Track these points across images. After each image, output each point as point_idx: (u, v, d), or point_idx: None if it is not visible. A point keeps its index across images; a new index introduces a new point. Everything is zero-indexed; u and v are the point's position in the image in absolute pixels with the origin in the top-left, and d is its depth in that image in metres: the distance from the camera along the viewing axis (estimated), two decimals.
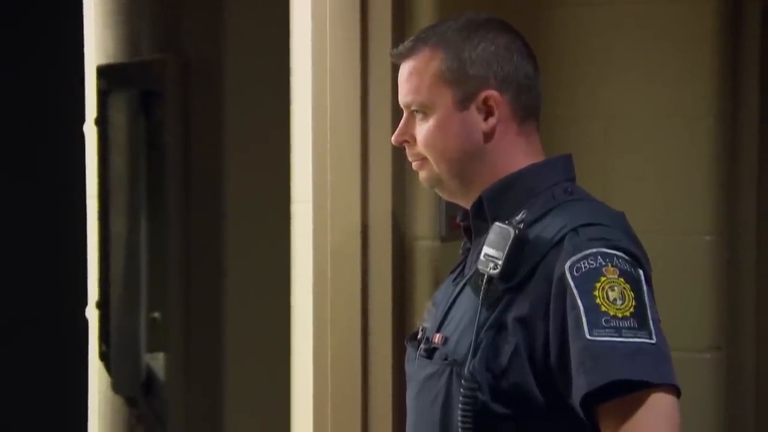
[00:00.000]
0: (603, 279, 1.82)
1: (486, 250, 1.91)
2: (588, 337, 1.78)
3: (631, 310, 1.81)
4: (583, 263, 1.83)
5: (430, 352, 1.98)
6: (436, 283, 2.67)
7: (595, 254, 1.84)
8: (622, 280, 1.82)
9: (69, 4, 4.83)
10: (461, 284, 2.01)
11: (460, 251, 2.10)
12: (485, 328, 1.89)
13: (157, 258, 4.24)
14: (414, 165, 2.06)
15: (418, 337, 2.05)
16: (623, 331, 1.79)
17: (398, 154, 2.63)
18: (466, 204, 2.03)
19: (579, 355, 1.79)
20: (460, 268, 2.07)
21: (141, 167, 4.36)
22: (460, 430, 1.88)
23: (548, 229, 1.91)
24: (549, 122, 2.15)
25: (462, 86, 1.98)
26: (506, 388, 1.87)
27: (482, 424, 1.88)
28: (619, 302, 1.81)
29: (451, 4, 2.70)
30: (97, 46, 4.56)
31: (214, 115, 3.89)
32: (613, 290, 1.82)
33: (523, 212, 1.95)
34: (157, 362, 4.26)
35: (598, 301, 1.80)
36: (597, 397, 1.78)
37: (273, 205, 3.22)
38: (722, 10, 2.92)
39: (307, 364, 2.80)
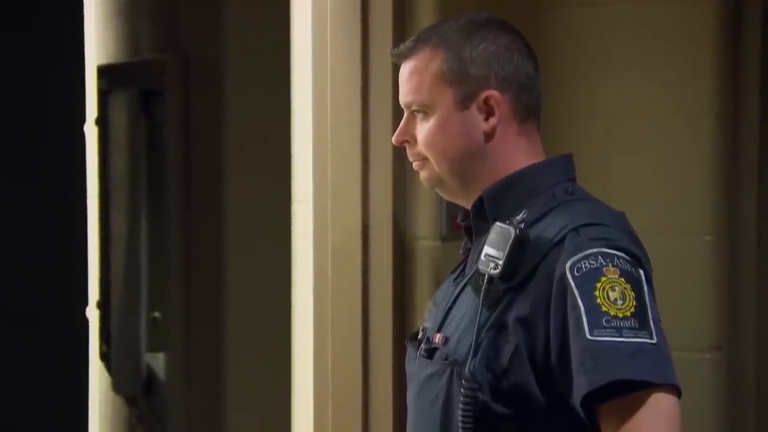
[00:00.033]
0: (604, 279, 1.82)
1: (487, 250, 1.91)
2: (589, 337, 1.79)
3: (632, 310, 1.81)
4: (584, 263, 1.83)
5: (430, 352, 1.98)
6: (437, 282, 2.67)
7: (595, 254, 1.84)
8: (622, 280, 1.82)
9: (69, 4, 4.82)
10: (462, 284, 2.01)
11: (461, 251, 2.10)
12: (486, 328, 1.89)
13: (158, 258, 4.24)
14: (415, 165, 2.06)
15: (419, 337, 2.05)
16: (624, 331, 1.79)
17: (399, 154, 2.63)
18: (467, 204, 2.03)
19: (580, 355, 1.79)
20: (460, 267, 2.07)
21: (141, 167, 4.36)
22: (460, 430, 1.88)
23: (549, 229, 1.91)
24: (549, 122, 2.15)
25: (463, 86, 1.98)
26: (507, 388, 1.87)
27: (483, 424, 1.88)
28: (619, 302, 1.81)
29: (451, 4, 2.70)
30: (98, 45, 4.56)
31: (214, 115, 3.90)
32: (613, 290, 1.82)
33: (523, 212, 1.95)
34: (158, 362, 4.26)
35: (598, 301, 1.80)
36: (598, 396, 1.78)
37: (273, 204, 3.22)
38: (723, 9, 2.92)
39: (308, 363, 2.80)
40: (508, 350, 1.87)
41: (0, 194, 6.03)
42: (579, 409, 1.80)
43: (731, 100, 2.95)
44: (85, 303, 4.68)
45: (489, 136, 1.98)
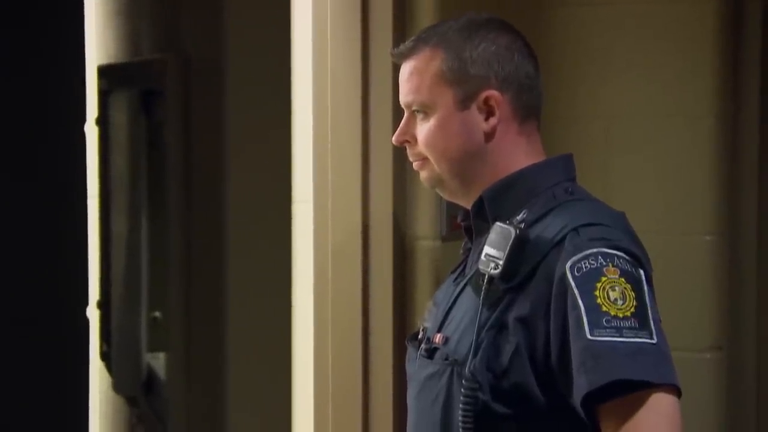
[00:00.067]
0: (604, 279, 1.82)
1: (487, 250, 1.91)
2: (589, 337, 1.79)
3: (632, 310, 1.81)
4: (584, 263, 1.83)
5: (430, 352, 1.98)
6: (437, 282, 2.67)
7: (595, 254, 1.84)
8: (623, 280, 1.82)
9: (70, 4, 4.82)
10: (462, 284, 2.01)
11: (461, 251, 2.10)
12: (486, 327, 1.89)
13: (158, 257, 4.24)
14: (415, 165, 2.06)
15: (419, 337, 2.05)
16: (624, 331, 1.79)
17: (399, 154, 2.63)
18: (467, 204, 2.03)
19: (580, 354, 1.79)
20: (460, 267, 2.07)
21: (142, 167, 4.36)
22: (460, 430, 1.88)
23: (549, 229, 1.91)
24: (550, 122, 2.15)
25: (463, 86, 1.98)
26: (507, 387, 1.87)
27: (483, 423, 1.88)
28: (620, 302, 1.81)
29: (452, 5, 2.70)
30: (98, 45, 4.56)
31: (215, 115, 3.90)
32: (613, 290, 1.82)
33: (523, 212, 1.95)
34: (158, 362, 4.26)
35: (599, 301, 1.80)
36: (598, 396, 1.78)
37: (274, 204, 3.22)
38: (723, 9, 2.92)
39: (308, 363, 2.80)
40: (508, 350, 1.87)
41: (0, 194, 6.03)
42: (579, 409, 1.80)
43: (731, 100, 2.95)
44: (86, 303, 4.68)
45: (489, 136, 1.98)
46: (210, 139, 3.89)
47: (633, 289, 1.82)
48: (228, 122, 3.86)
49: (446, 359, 1.94)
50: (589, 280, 1.82)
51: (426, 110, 2.00)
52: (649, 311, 1.82)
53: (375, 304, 2.80)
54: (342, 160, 2.78)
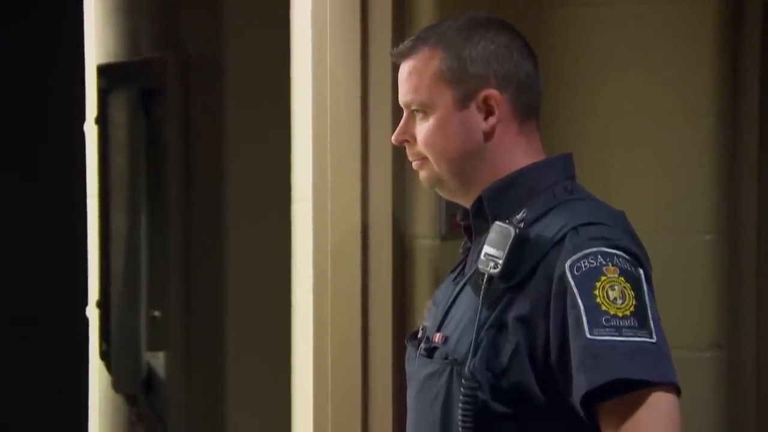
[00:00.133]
0: (603, 278, 1.82)
1: (486, 249, 1.91)
2: (588, 336, 1.79)
3: (632, 309, 1.81)
4: (584, 262, 1.83)
5: (430, 352, 1.98)
6: (437, 282, 2.67)
7: (595, 253, 1.84)
8: (622, 279, 1.82)
9: (69, 3, 4.83)
10: (461, 283, 2.01)
11: (461, 250, 2.10)
12: (485, 327, 1.89)
13: (158, 256, 4.24)
14: (414, 164, 2.06)
15: (419, 336, 2.05)
16: (623, 330, 1.79)
17: (398, 153, 2.63)
18: (467, 203, 2.03)
19: (579, 354, 1.79)
20: (460, 267, 2.07)
21: (141, 165, 4.36)
22: (460, 429, 1.88)
23: (549, 228, 1.91)
24: (549, 121, 2.15)
25: (462, 85, 1.98)
26: (506, 387, 1.87)
27: (482, 423, 1.88)
28: (619, 301, 1.81)
29: (451, 4, 2.70)
30: (98, 44, 4.56)
31: (214, 113, 3.89)
32: (613, 289, 1.82)
33: (523, 211, 1.95)
34: (158, 360, 4.26)
35: (598, 300, 1.80)
36: (597, 395, 1.78)
37: (273, 204, 3.22)
38: (723, 8, 2.92)
39: (308, 363, 2.80)
40: (507, 349, 1.87)
41: (0, 194, 6.03)
42: (579, 408, 1.80)
43: (731, 98, 2.95)
44: (85, 302, 4.68)
45: (488, 135, 1.98)
46: (209, 137, 3.89)
47: (632, 289, 1.82)
48: (228, 121, 3.86)
49: (446, 358, 1.94)
50: (588, 280, 1.82)
51: (425, 110, 2.00)
52: (649, 310, 1.82)
53: (374, 303, 2.80)
54: (341, 159, 2.78)
